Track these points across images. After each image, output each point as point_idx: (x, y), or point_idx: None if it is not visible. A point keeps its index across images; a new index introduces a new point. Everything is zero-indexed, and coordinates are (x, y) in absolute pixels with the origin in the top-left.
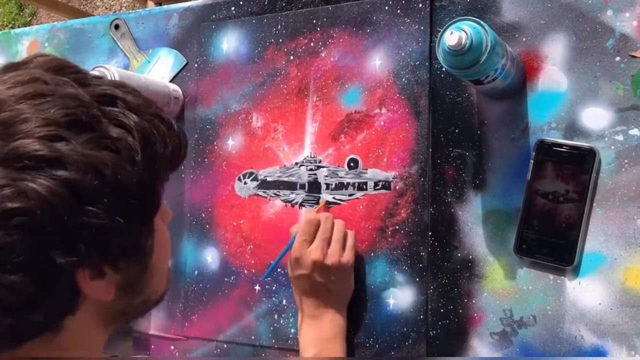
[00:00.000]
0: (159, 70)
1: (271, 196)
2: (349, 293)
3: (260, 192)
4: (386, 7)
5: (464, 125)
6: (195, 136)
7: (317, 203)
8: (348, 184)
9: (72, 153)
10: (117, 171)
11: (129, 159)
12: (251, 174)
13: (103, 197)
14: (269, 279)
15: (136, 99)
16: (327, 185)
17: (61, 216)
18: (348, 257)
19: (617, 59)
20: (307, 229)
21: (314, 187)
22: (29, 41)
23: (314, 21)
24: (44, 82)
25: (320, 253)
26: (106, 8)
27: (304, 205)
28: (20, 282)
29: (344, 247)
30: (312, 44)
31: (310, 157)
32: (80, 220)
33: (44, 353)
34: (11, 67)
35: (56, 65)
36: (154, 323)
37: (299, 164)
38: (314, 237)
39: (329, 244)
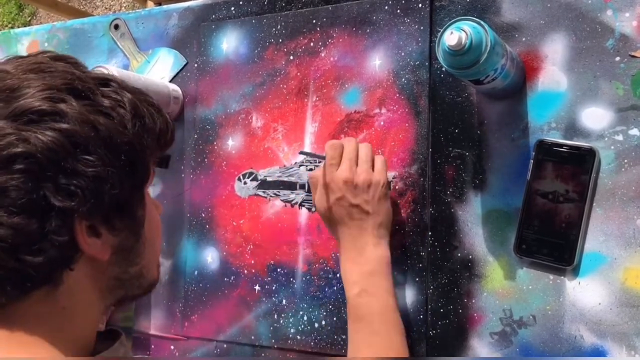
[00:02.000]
0: (158, 70)
1: (271, 196)
2: (389, 217)
3: (260, 192)
4: (386, 7)
5: (463, 125)
6: (195, 136)
7: None
8: None
9: (70, 110)
10: (110, 130)
11: (121, 124)
12: (251, 174)
13: (97, 148)
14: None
15: (127, 85)
16: None
17: (60, 161)
18: (379, 176)
19: (617, 59)
20: (332, 153)
21: None
22: (29, 41)
23: (314, 21)
24: (46, 64)
25: (349, 172)
26: (106, 8)
27: (303, 205)
28: (23, 223)
29: (373, 168)
30: (311, 44)
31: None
32: (77, 167)
33: (46, 308)
34: (18, 57)
35: (57, 56)
36: (154, 323)
37: (298, 164)
38: (339, 162)
39: (356, 164)
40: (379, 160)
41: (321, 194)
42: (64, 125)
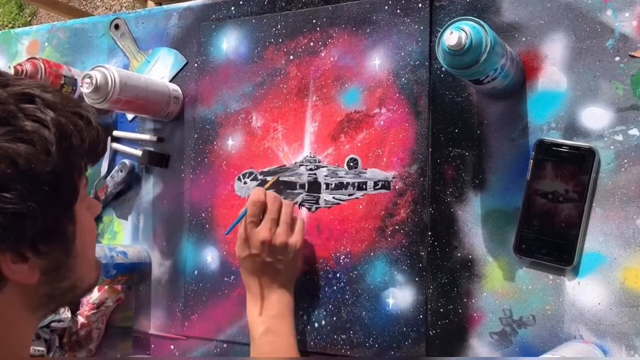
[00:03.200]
0: (158, 70)
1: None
2: (297, 272)
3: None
4: (386, 7)
5: (463, 125)
6: (195, 136)
7: (317, 203)
8: (348, 183)
9: None
10: (31, 161)
11: (44, 150)
12: (251, 173)
13: (16, 184)
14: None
15: (55, 96)
16: (327, 184)
17: None
18: (296, 238)
19: (617, 58)
20: (253, 210)
21: (313, 186)
22: (29, 41)
23: (314, 21)
24: None
25: (269, 233)
26: (106, 8)
27: (303, 205)
28: None
29: (292, 229)
30: (311, 44)
31: (310, 156)
32: None
33: None
34: None
35: None
36: (154, 323)
37: (298, 164)
38: (260, 218)
39: (277, 224)
40: (299, 221)
41: (240, 245)
42: None
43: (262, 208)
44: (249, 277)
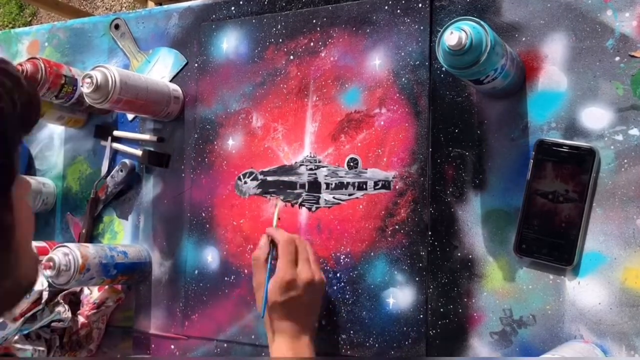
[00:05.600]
0: (158, 70)
1: (271, 196)
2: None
3: (260, 192)
4: (386, 7)
5: (463, 125)
6: (195, 136)
7: (317, 202)
8: (348, 183)
9: None
10: None
11: None
12: (251, 173)
13: None
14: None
15: None
16: (327, 184)
17: None
18: (320, 274)
19: (617, 58)
20: (290, 249)
21: (314, 186)
22: (29, 41)
23: (314, 21)
24: None
25: (311, 273)
26: (106, 8)
27: (303, 205)
28: None
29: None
30: (312, 44)
31: (310, 156)
32: None
33: None
34: None
35: None
36: (154, 322)
37: (298, 164)
38: (296, 256)
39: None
40: (314, 256)
41: (282, 287)
42: None
43: (295, 246)
44: (285, 321)
